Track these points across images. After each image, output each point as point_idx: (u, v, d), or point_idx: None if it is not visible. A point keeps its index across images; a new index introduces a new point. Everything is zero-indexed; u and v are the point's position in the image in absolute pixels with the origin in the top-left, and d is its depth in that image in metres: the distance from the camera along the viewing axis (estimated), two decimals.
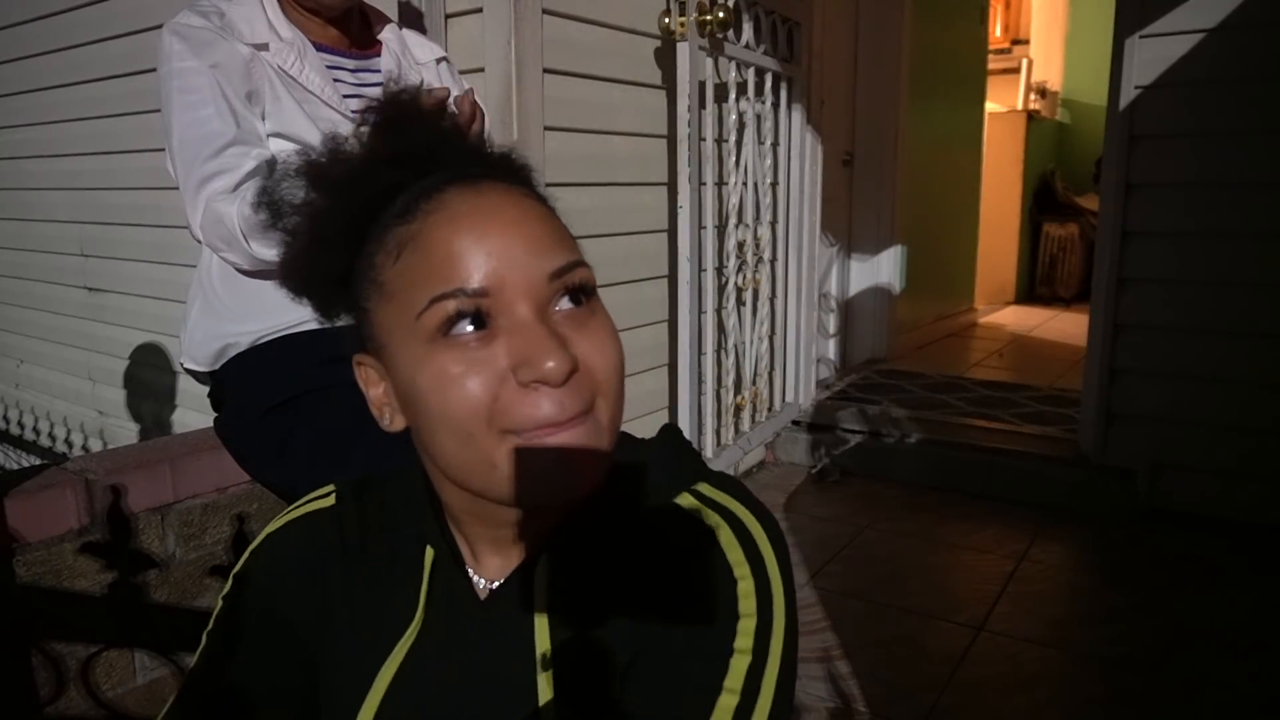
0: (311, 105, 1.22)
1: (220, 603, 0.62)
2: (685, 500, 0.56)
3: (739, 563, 0.52)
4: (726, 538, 0.53)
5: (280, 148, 1.21)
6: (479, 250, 0.49)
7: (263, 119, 1.20)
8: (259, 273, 1.21)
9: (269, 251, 1.16)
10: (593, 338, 0.51)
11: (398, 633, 0.58)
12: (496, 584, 0.58)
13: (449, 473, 0.52)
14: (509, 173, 0.56)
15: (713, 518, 0.54)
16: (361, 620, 0.60)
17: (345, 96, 1.26)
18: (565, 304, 0.51)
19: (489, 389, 0.48)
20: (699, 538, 0.54)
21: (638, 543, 0.55)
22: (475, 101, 1.08)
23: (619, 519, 0.56)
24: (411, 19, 1.78)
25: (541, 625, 0.54)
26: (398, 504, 0.62)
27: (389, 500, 0.63)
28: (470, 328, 0.48)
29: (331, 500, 0.64)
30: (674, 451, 0.62)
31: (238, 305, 1.23)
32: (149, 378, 2.98)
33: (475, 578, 0.58)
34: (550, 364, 0.47)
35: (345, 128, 1.23)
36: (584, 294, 0.51)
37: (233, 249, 1.17)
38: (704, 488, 0.57)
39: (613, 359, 0.52)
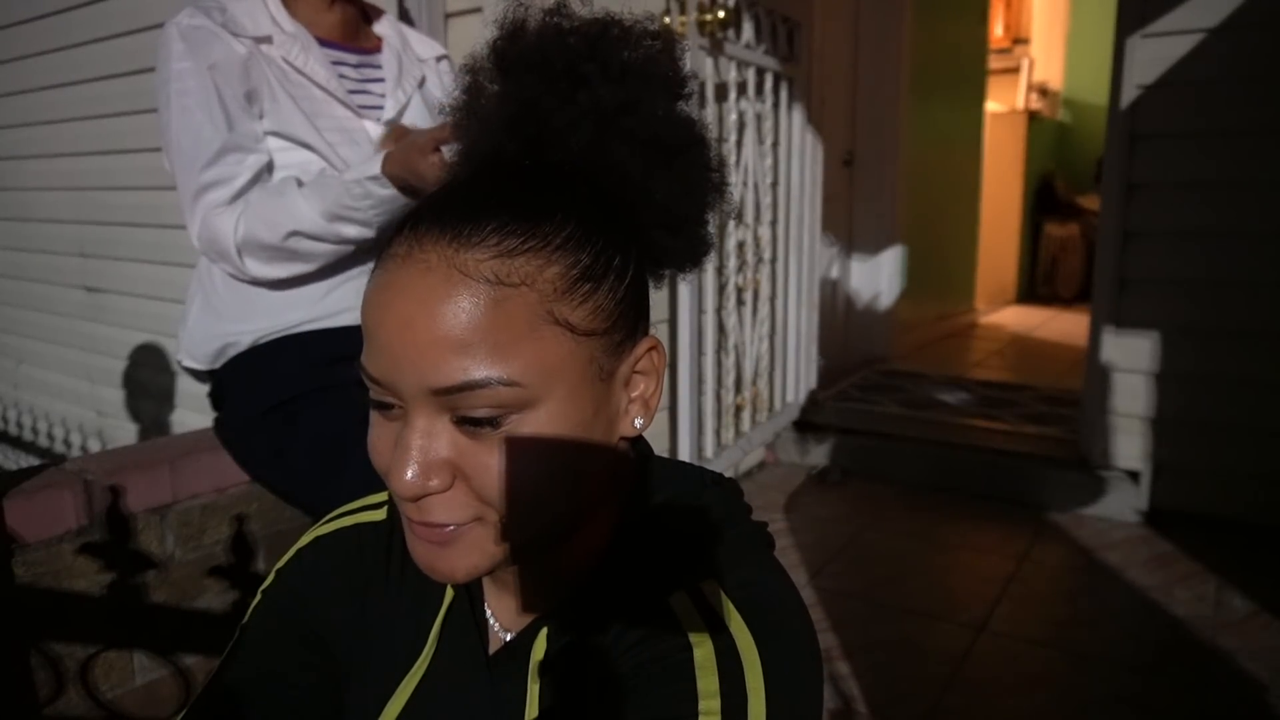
0: (312, 103, 1.22)
1: (259, 596, 0.61)
2: (678, 601, 0.48)
3: (708, 694, 0.44)
4: (702, 659, 0.45)
5: (276, 147, 1.21)
6: (373, 340, 0.46)
7: (261, 118, 1.20)
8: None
9: (262, 269, 1.17)
10: (486, 459, 0.45)
11: (406, 666, 0.58)
12: (508, 635, 0.56)
13: None
14: (485, 223, 0.45)
15: (696, 631, 0.46)
16: (386, 643, 0.59)
17: (349, 92, 1.26)
18: (465, 424, 0.45)
19: (386, 459, 0.47)
20: (667, 656, 0.46)
21: (617, 642, 0.49)
22: None
23: (615, 602, 0.51)
24: (409, 19, 1.78)
25: (533, 695, 0.52)
26: None
27: None
28: (377, 402, 0.48)
29: (382, 514, 0.63)
30: (710, 522, 0.54)
31: (238, 304, 1.23)
32: (148, 378, 2.98)
33: (492, 621, 0.58)
34: (404, 479, 0.45)
35: (349, 122, 1.24)
36: (486, 423, 0.44)
37: (228, 262, 1.18)
38: (709, 587, 0.48)
39: (505, 486, 0.45)
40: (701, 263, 0.57)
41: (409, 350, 0.44)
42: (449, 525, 0.46)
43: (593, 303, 0.47)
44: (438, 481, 0.45)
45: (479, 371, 0.43)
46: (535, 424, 0.45)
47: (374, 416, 0.48)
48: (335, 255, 1.20)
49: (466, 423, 0.45)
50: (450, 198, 0.48)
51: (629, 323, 0.50)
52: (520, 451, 0.45)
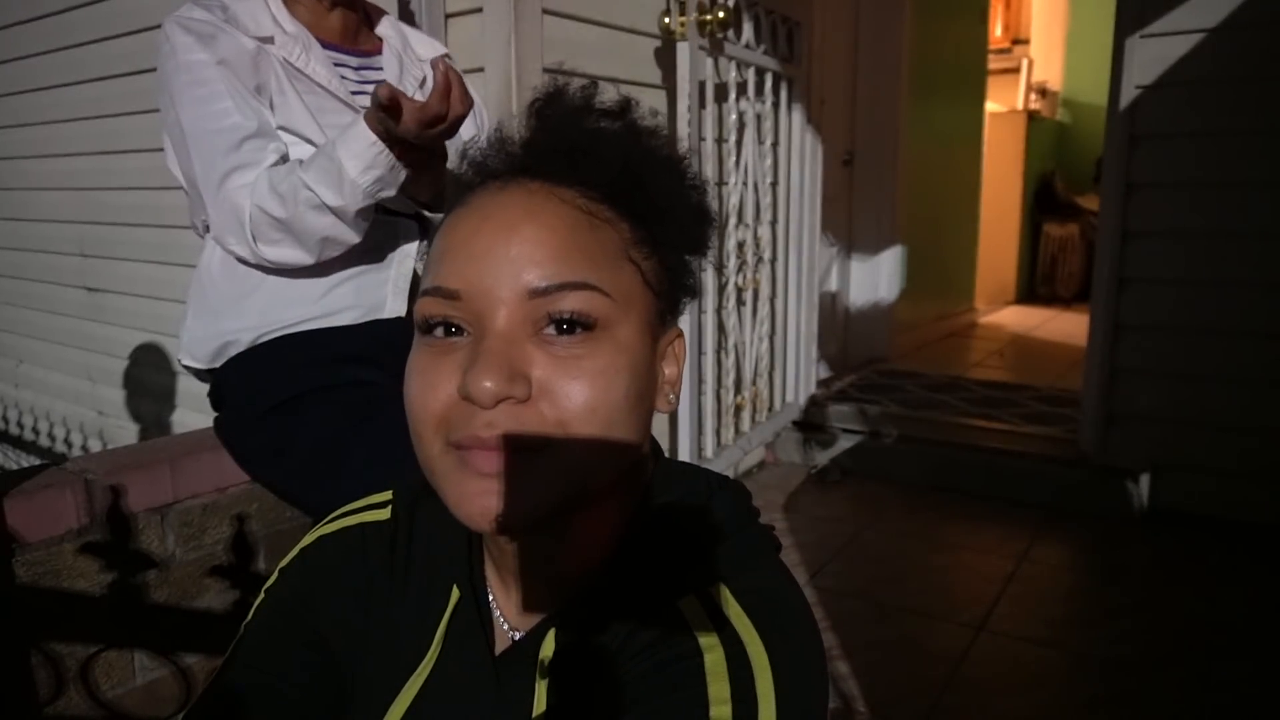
0: (316, 98, 1.22)
1: (262, 595, 0.61)
2: (688, 605, 0.48)
3: (719, 700, 0.43)
4: (713, 664, 0.45)
5: (284, 140, 1.21)
6: (465, 250, 0.47)
7: (271, 109, 1.20)
8: (260, 267, 1.21)
9: (272, 250, 1.17)
10: (569, 374, 0.46)
11: (412, 665, 0.58)
12: (515, 634, 0.56)
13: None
14: (591, 166, 0.50)
15: (707, 636, 0.46)
16: (391, 642, 0.59)
17: (351, 93, 1.26)
18: (551, 331, 0.46)
19: (441, 397, 0.47)
20: (677, 660, 0.46)
21: (627, 643, 0.49)
22: (449, 67, 1.07)
23: (624, 604, 0.50)
24: (410, 18, 1.78)
25: (540, 695, 0.52)
26: (447, 524, 0.59)
27: (441, 518, 0.58)
28: (441, 332, 0.48)
29: (387, 514, 0.63)
30: (719, 526, 0.54)
31: (237, 302, 1.23)
32: (148, 378, 2.98)
33: (499, 620, 0.57)
34: (485, 384, 0.44)
35: (349, 120, 1.23)
36: (579, 325, 0.46)
37: (242, 244, 1.17)
38: (722, 592, 0.48)
39: (585, 403, 0.46)
40: (687, 301, 0.59)
41: (511, 251, 0.46)
42: (517, 445, 0.45)
43: (651, 263, 0.51)
44: (520, 389, 0.45)
45: (581, 275, 0.46)
46: (615, 344, 0.47)
47: (426, 358, 0.48)
48: (332, 233, 1.15)
49: (558, 326, 0.46)
50: (532, 159, 0.52)
51: (669, 302, 0.54)
52: (602, 365, 0.47)
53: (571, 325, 0.46)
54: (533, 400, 0.46)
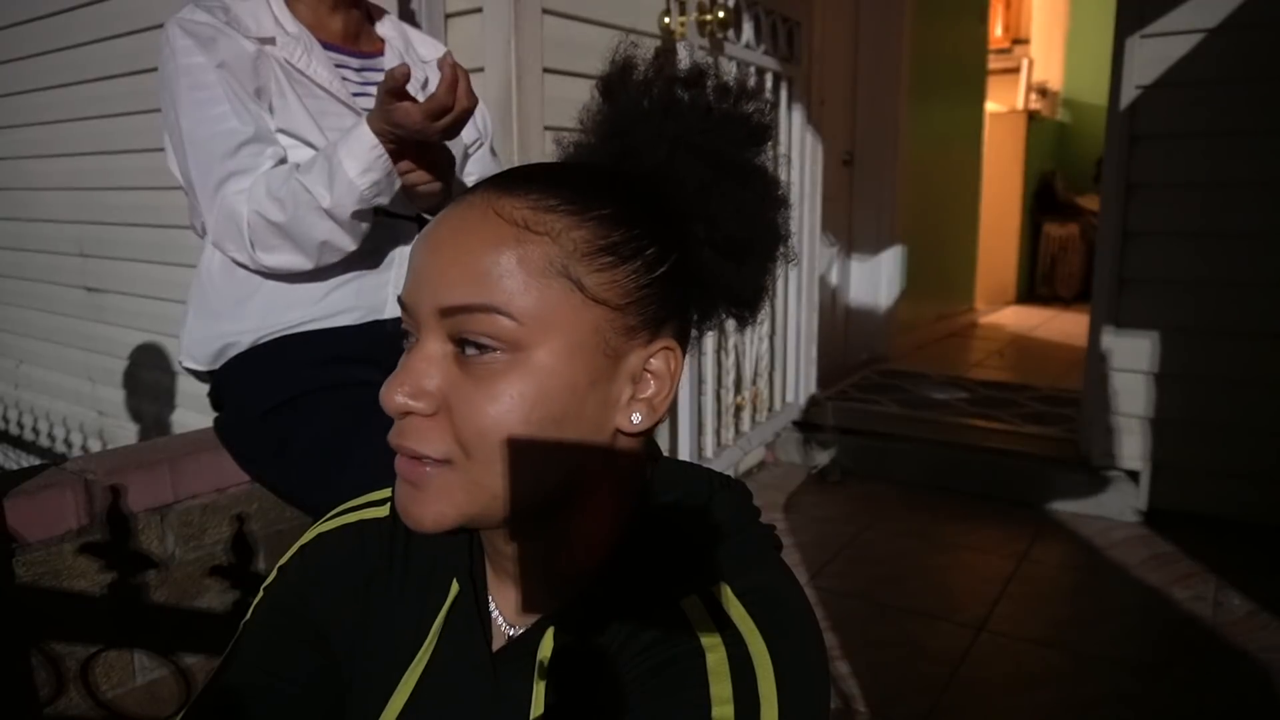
0: (316, 101, 1.22)
1: (262, 593, 0.62)
2: (690, 605, 0.48)
3: (721, 700, 0.43)
4: (715, 664, 0.45)
5: (284, 144, 1.21)
6: (411, 263, 0.50)
7: (270, 113, 1.20)
8: (260, 270, 1.21)
9: (270, 258, 1.17)
10: (473, 396, 0.47)
11: (409, 661, 0.58)
12: (512, 631, 0.56)
13: None
14: (533, 185, 0.49)
15: (709, 635, 0.46)
16: (389, 639, 0.59)
17: (353, 95, 1.26)
18: (466, 350, 0.47)
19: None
20: (679, 660, 0.46)
21: (628, 644, 0.49)
22: (455, 63, 1.07)
23: (625, 604, 0.51)
24: (410, 18, 1.78)
25: (538, 694, 0.52)
26: None
27: None
28: (406, 335, 0.51)
29: (385, 511, 0.63)
30: (720, 525, 0.54)
31: (237, 304, 1.23)
32: (148, 378, 2.98)
33: (497, 617, 0.57)
34: (393, 397, 0.47)
35: (349, 123, 1.23)
36: (486, 347, 0.46)
37: (241, 250, 1.17)
38: (723, 592, 0.49)
39: (482, 426, 0.46)
40: (756, 310, 0.58)
41: (432, 269, 0.48)
42: (422, 458, 0.48)
43: (610, 275, 0.48)
44: (423, 405, 0.47)
45: (484, 297, 0.46)
46: (525, 369, 0.47)
47: (401, 358, 0.51)
48: (330, 237, 1.14)
49: (465, 347, 0.47)
50: (515, 169, 0.53)
51: (649, 313, 0.50)
52: (503, 389, 0.47)
53: (480, 347, 0.47)
54: (439, 416, 0.48)
